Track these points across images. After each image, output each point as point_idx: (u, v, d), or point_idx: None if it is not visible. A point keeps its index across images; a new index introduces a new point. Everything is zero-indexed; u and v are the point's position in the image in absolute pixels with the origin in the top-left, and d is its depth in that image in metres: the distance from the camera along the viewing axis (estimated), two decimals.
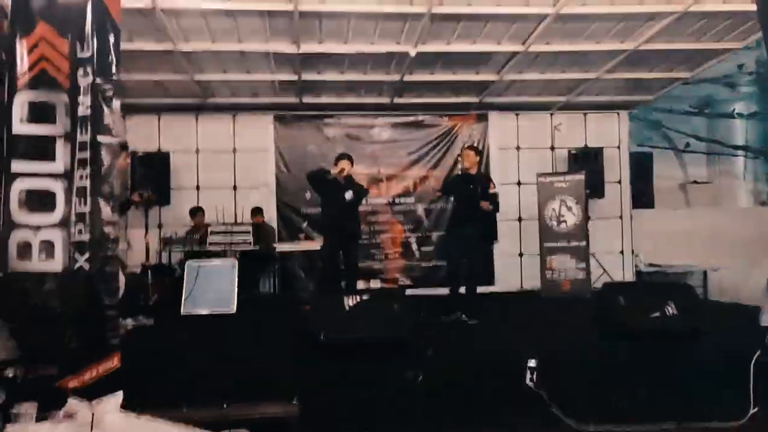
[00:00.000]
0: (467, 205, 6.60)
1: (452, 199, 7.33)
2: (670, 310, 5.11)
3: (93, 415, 2.25)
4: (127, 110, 8.94)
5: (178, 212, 9.03)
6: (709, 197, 10.92)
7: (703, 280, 8.71)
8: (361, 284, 8.46)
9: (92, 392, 3.08)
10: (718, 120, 10.82)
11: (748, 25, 6.90)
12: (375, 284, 9.31)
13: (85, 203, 4.40)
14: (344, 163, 6.74)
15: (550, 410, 4.51)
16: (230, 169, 9.40)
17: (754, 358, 4.42)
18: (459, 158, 7.12)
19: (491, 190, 6.55)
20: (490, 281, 9.74)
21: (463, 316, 6.47)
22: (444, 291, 6.76)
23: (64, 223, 4.41)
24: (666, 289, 5.67)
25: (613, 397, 4.65)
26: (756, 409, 4.43)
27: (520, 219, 9.86)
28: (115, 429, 2.60)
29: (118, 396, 2.88)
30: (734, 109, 10.57)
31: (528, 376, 4.65)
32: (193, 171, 9.30)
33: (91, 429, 2.11)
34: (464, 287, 6.66)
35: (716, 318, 5.60)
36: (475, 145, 9.02)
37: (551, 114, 9.96)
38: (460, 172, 6.96)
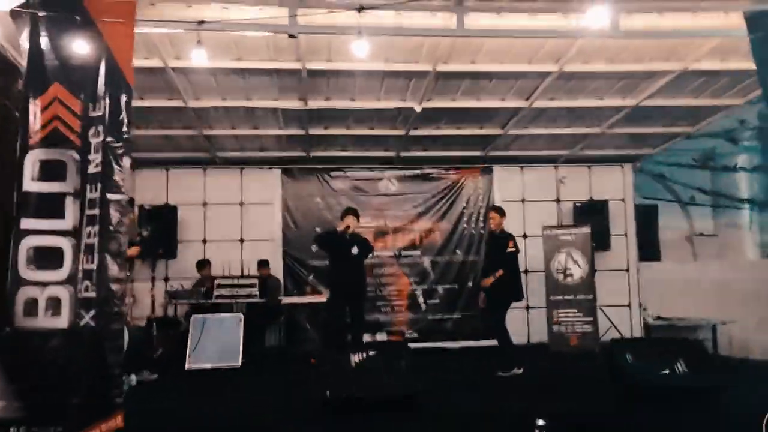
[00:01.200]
0: (489, 262, 7.21)
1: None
2: (680, 367, 5.04)
3: None
4: (136, 165, 9.09)
5: (184, 265, 9.04)
6: (715, 250, 10.88)
7: (713, 333, 8.58)
8: (366, 337, 8.44)
9: None
10: (722, 173, 10.89)
11: (748, 82, 7.00)
12: (381, 337, 9.26)
13: (93, 260, 4.45)
14: (350, 219, 6.79)
15: None
16: (237, 221, 9.46)
17: (767, 418, 4.35)
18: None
19: (508, 249, 6.87)
20: None
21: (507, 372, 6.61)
22: (448, 344, 6.75)
23: (71, 281, 4.45)
24: (675, 344, 5.58)
25: None
26: None
27: (526, 271, 9.79)
28: None
29: None
30: (737, 164, 10.65)
31: None
32: (200, 224, 9.36)
33: None
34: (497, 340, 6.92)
35: (726, 374, 5.50)
36: (480, 199, 9.08)
37: (556, 167, 10.05)
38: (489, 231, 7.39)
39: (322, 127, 8.29)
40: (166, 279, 9.10)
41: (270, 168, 9.61)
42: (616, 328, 9.06)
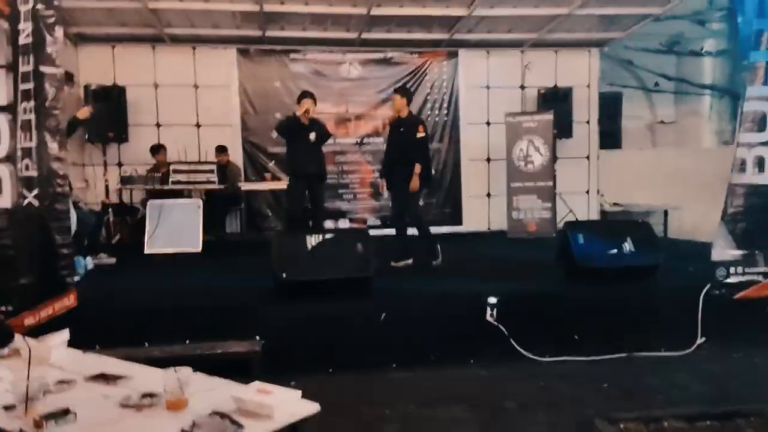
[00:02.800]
0: (397, 149, 6.56)
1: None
2: (628, 247, 5.18)
3: (30, 350, 2.18)
4: (78, 40, 8.59)
5: (137, 150, 8.73)
6: (674, 137, 11.00)
7: (664, 218, 8.84)
8: (329, 224, 8.48)
9: (49, 330, 3.02)
10: (687, 58, 10.77)
11: None
12: (343, 224, 9.29)
13: (31, 138, 4.24)
14: (307, 103, 6.59)
15: (509, 343, 4.63)
16: (192, 105, 9.09)
17: (704, 292, 4.56)
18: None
19: (419, 134, 6.44)
20: (458, 222, 9.80)
21: (434, 262, 6.50)
22: (411, 231, 6.74)
23: (9, 159, 4.25)
24: (625, 227, 5.72)
25: (569, 332, 4.78)
26: (703, 340, 4.61)
27: (488, 159, 9.82)
28: (58, 365, 2.55)
29: (65, 333, 2.81)
30: (703, 47, 10.52)
31: (489, 312, 4.73)
32: (152, 106, 8.95)
33: (29, 365, 2.05)
34: (415, 229, 6.65)
35: (671, 254, 5.70)
36: (407, 87, 8.49)
37: (522, 51, 9.79)
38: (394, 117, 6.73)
39: (278, 2, 7.81)
40: (120, 164, 8.84)
41: (225, 48, 9.14)
42: (573, 214, 9.23)
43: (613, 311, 4.87)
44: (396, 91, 6.89)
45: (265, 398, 2.05)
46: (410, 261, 6.53)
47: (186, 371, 2.09)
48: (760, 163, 4.96)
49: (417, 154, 6.44)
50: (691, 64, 10.87)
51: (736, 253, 4.95)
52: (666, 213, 8.85)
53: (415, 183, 6.37)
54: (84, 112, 6.41)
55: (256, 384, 2.17)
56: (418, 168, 6.35)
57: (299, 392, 2.12)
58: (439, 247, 6.56)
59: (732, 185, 5.04)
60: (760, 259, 4.94)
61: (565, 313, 4.87)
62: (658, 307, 4.90)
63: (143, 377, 2.40)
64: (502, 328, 4.66)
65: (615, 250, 5.18)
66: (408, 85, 9.11)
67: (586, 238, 5.24)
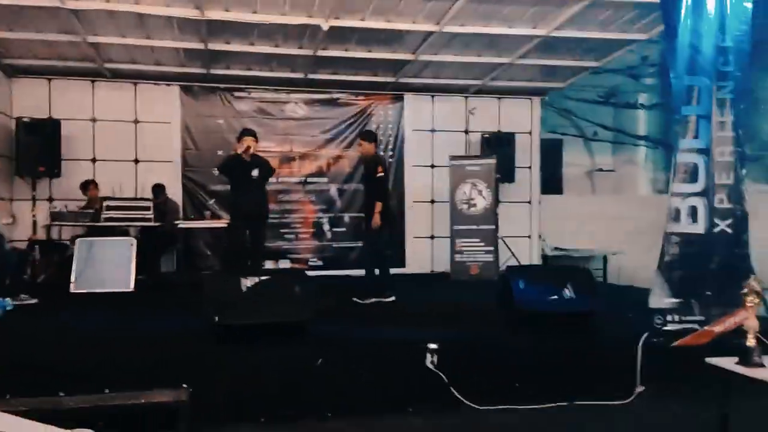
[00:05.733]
0: (364, 189, 6.84)
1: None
2: (568, 292, 5.19)
3: None
4: (12, 72, 8.27)
5: (70, 185, 8.40)
6: (612, 184, 11.34)
7: (603, 264, 9.00)
8: (270, 264, 8.28)
9: None
10: (624, 110, 11.22)
11: (653, 17, 7.08)
12: (284, 264, 9.10)
13: None
14: (248, 141, 6.54)
15: (448, 391, 4.51)
16: (131, 141, 8.87)
17: (642, 339, 4.56)
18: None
19: (378, 174, 6.57)
20: (401, 263, 9.73)
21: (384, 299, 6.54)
22: (354, 272, 6.69)
23: None
24: (565, 272, 5.75)
25: (509, 378, 4.69)
26: (642, 388, 4.58)
27: (432, 201, 9.86)
28: None
29: None
30: (638, 100, 10.98)
31: (429, 358, 4.62)
32: (88, 141, 8.68)
33: None
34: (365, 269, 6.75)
35: (610, 300, 5.74)
36: (373, 130, 8.58)
37: (466, 98, 9.98)
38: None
39: (223, 41, 7.74)
40: (51, 199, 8.46)
41: (168, 84, 8.99)
42: (515, 257, 9.31)
43: (553, 358, 4.82)
44: (361, 134, 7.28)
45: None
46: (374, 299, 6.53)
47: None
48: (693, 212, 5.07)
49: (375, 193, 6.60)
50: (627, 116, 11.32)
51: (672, 301, 5.00)
52: (605, 258, 9.01)
53: (375, 220, 6.49)
54: None
55: None
56: (378, 206, 6.47)
57: None
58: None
59: (667, 234, 5.13)
60: (695, 307, 5.00)
61: (506, 360, 4.80)
62: (598, 355, 4.88)
63: None
64: (442, 374, 4.55)
65: (555, 296, 5.17)
66: (353, 126, 9.13)
67: (527, 283, 5.23)
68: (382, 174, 6.62)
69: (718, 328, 4.83)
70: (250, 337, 4.65)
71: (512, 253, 9.32)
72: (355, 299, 6.50)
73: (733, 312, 4.68)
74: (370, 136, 6.93)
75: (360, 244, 9.22)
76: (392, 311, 6.31)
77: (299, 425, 4.11)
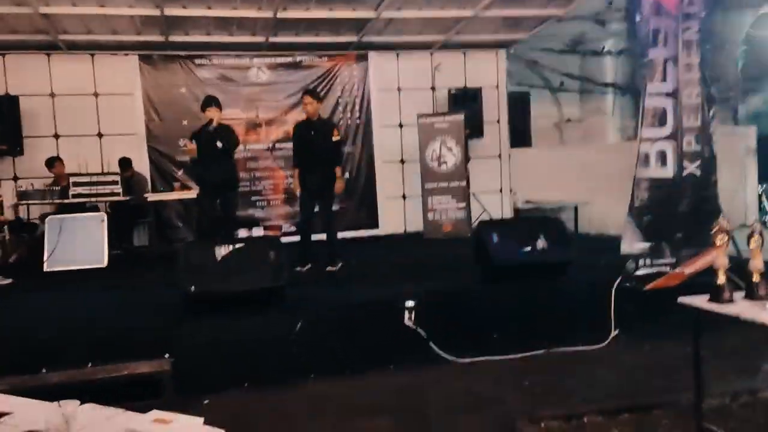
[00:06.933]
0: (310, 152, 6.42)
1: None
2: (541, 244, 5.27)
3: None
4: None
5: (35, 163, 8.19)
6: (581, 135, 11.40)
7: (575, 213, 9.13)
8: (242, 233, 8.20)
9: None
10: (590, 58, 11.19)
11: None
12: (257, 232, 9.03)
13: None
14: (212, 111, 6.40)
15: (428, 346, 4.59)
16: (93, 115, 8.63)
17: (615, 285, 4.68)
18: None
19: (334, 138, 6.45)
20: (374, 225, 9.76)
21: (332, 266, 6.50)
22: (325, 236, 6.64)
23: None
24: (537, 224, 5.82)
25: (487, 331, 4.79)
26: (617, 332, 4.72)
27: (402, 161, 9.84)
28: None
29: None
30: (604, 47, 10.95)
31: (407, 315, 4.68)
32: (49, 117, 8.44)
33: None
34: (325, 234, 6.63)
35: (583, 249, 5.85)
36: (318, 90, 8.32)
37: (431, 54, 9.88)
38: (303, 119, 6.69)
39: (179, 6, 7.51)
40: (15, 178, 8.26)
41: (126, 54, 8.73)
42: (488, 213, 9.39)
43: (529, 308, 4.92)
44: (307, 92, 6.71)
45: (162, 429, 1.88)
46: (310, 266, 6.49)
47: (72, 404, 1.90)
48: (662, 157, 5.15)
49: (336, 157, 6.52)
50: (593, 64, 11.30)
51: (643, 245, 5.11)
52: (576, 208, 9.13)
53: (339, 185, 6.49)
54: None
55: (153, 413, 2.00)
56: (339, 171, 6.48)
57: (201, 419, 1.97)
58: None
59: (637, 179, 5.22)
60: (666, 250, 5.13)
61: (483, 313, 4.89)
62: (573, 303, 4.99)
63: (25, 413, 2.16)
64: (421, 331, 4.62)
65: (529, 248, 5.25)
66: (318, 89, 8.96)
67: (500, 237, 5.29)
68: (338, 137, 6.56)
69: (689, 270, 4.97)
70: (228, 305, 4.66)
71: (484, 208, 9.39)
72: (328, 269, 6.49)
73: (702, 252, 4.81)
74: (317, 95, 6.78)
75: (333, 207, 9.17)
76: (368, 272, 6.35)
77: (282, 388, 4.16)
